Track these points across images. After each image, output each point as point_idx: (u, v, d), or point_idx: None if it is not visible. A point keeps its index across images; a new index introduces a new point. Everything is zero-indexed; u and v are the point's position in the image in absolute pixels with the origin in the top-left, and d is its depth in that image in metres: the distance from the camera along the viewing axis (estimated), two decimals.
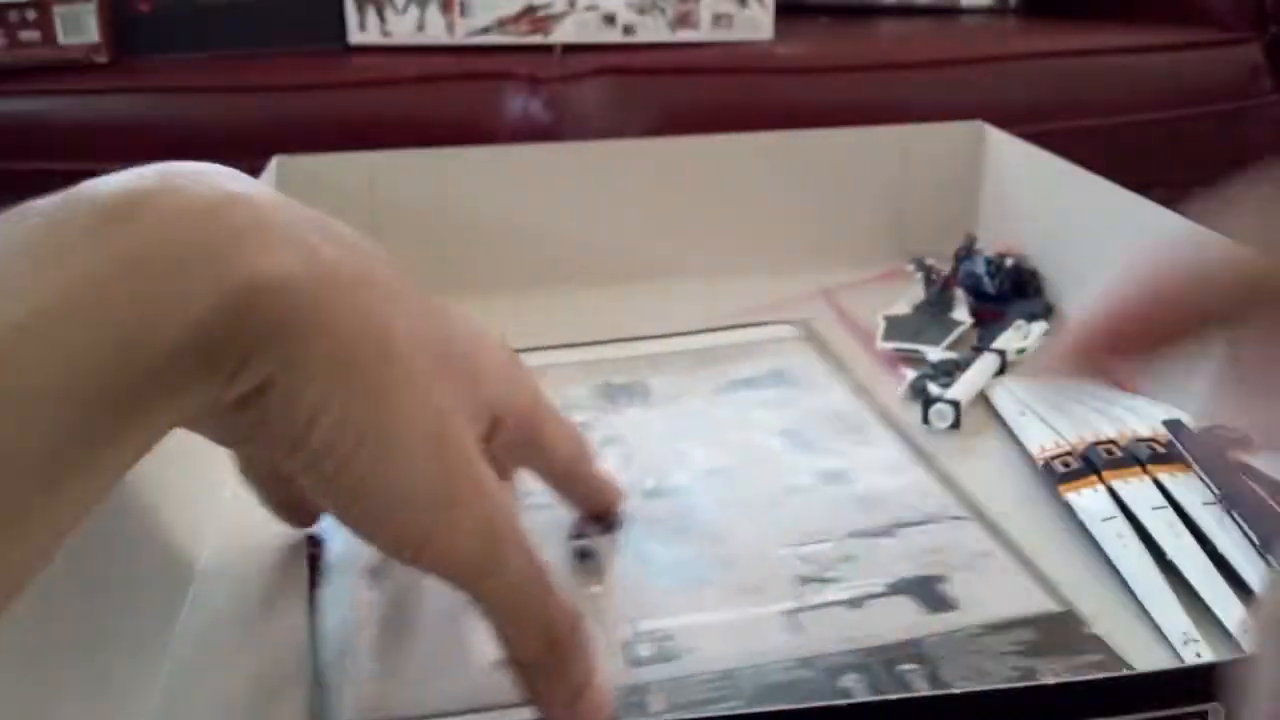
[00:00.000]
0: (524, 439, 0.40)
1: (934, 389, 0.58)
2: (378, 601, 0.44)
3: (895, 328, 0.67)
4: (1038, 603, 0.42)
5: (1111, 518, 0.44)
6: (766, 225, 0.77)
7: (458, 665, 0.40)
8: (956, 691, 0.24)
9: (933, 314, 0.68)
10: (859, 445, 0.55)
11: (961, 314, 0.68)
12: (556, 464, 0.43)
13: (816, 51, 1.34)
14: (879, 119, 0.80)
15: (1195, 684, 0.25)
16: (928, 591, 0.43)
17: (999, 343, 0.63)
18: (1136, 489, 0.45)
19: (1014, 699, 0.24)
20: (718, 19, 1.35)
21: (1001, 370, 0.61)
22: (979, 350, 0.62)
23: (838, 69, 1.27)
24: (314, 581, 0.44)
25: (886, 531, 0.47)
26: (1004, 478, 0.52)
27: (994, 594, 0.43)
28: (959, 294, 0.70)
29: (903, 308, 0.69)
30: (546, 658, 0.34)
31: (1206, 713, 0.25)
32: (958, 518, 0.48)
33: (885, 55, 1.31)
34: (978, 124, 0.79)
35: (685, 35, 1.36)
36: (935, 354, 0.63)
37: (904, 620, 0.41)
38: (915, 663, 0.39)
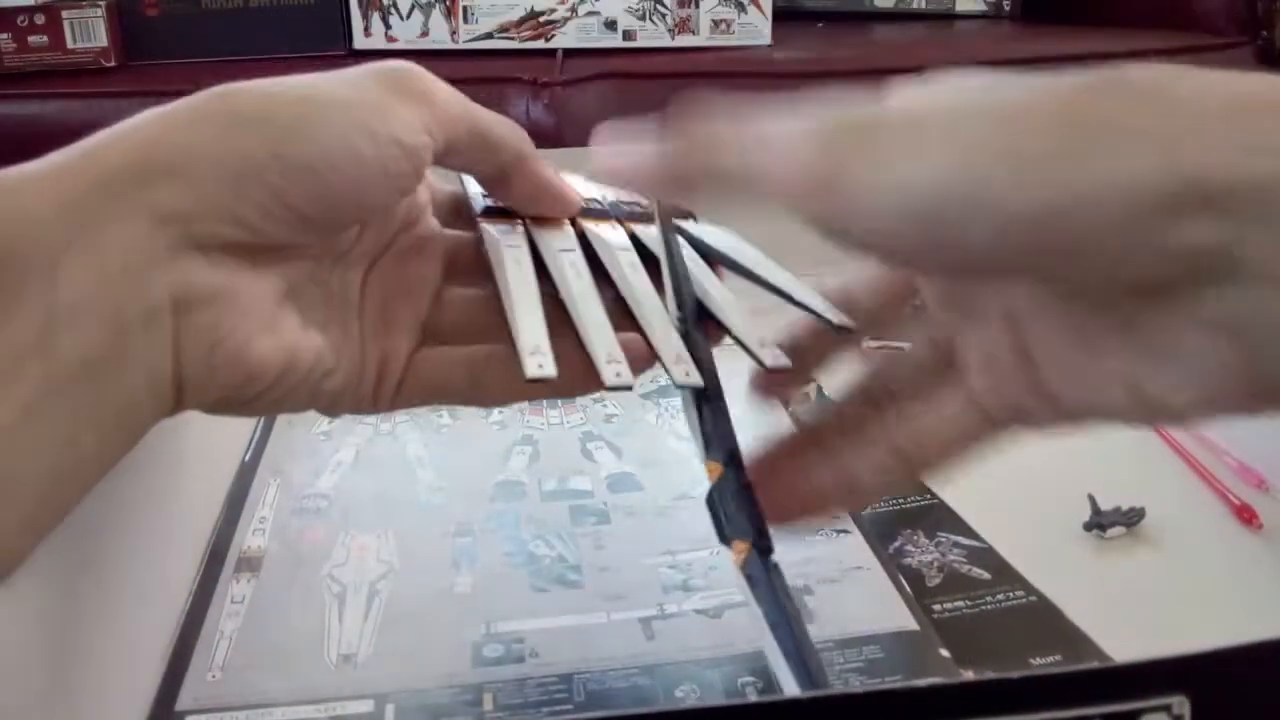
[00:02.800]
0: (476, 142, 0.36)
1: None
2: (248, 594, 0.45)
3: None
4: (895, 620, 0.43)
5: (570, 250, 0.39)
6: (766, 228, 0.78)
7: (309, 659, 0.42)
8: (922, 685, 0.25)
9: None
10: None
11: None
12: (504, 154, 0.37)
13: (814, 56, 1.35)
14: None
15: (1160, 676, 0.25)
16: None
17: None
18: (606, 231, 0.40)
19: (972, 693, 0.25)
20: (716, 24, 1.36)
21: None
22: None
23: (835, 74, 1.28)
24: None
25: None
26: (954, 474, 0.53)
27: (854, 609, 0.43)
28: None
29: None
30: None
31: (1170, 705, 0.25)
32: (842, 530, 0.49)
33: (881, 60, 1.32)
34: None
35: (685, 40, 1.37)
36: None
37: (758, 632, 0.42)
38: (757, 677, 0.40)
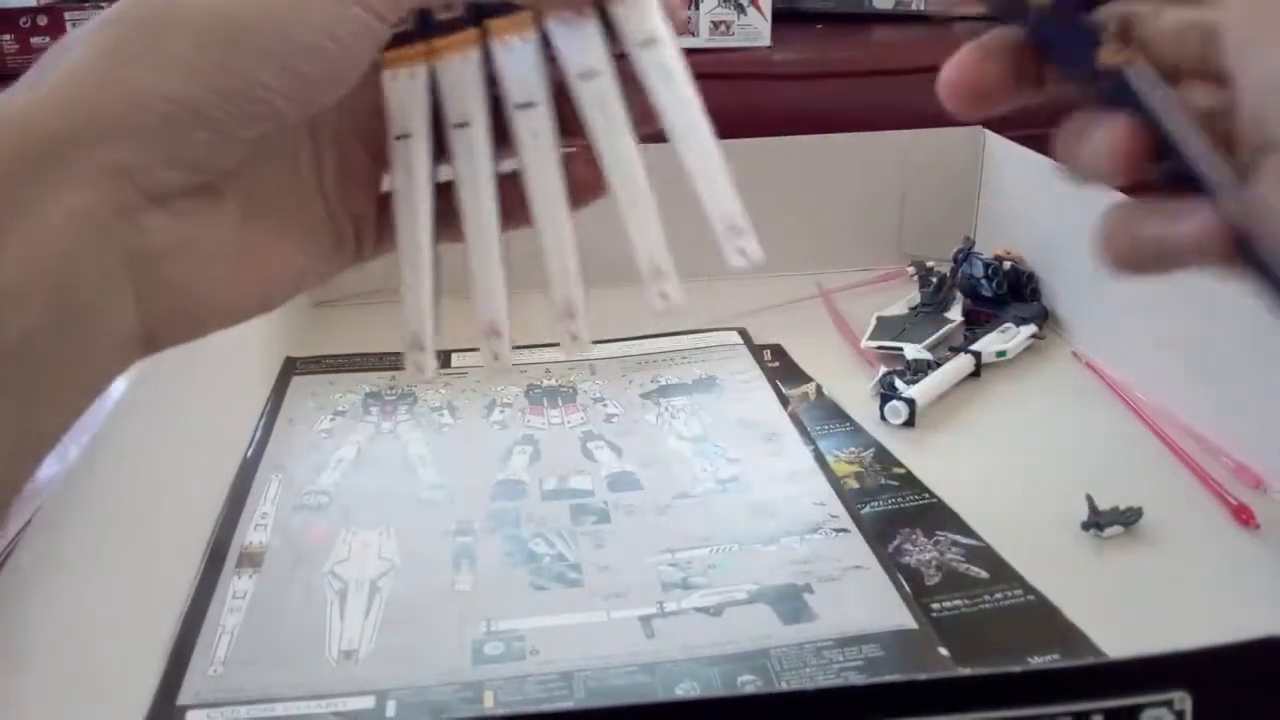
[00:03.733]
0: None
1: (900, 386, 0.59)
2: (250, 590, 0.46)
3: (884, 327, 0.68)
4: (894, 619, 0.43)
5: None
6: (766, 228, 0.78)
7: (310, 655, 0.42)
8: (923, 678, 0.25)
9: (927, 315, 0.69)
10: (767, 454, 0.55)
11: (955, 315, 0.69)
12: None
13: (813, 58, 1.35)
14: (874, 124, 0.81)
15: (1162, 672, 0.25)
16: (788, 602, 0.44)
17: (979, 345, 0.64)
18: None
19: (976, 686, 0.25)
20: (716, 26, 1.36)
21: (977, 372, 0.63)
22: (956, 351, 0.63)
23: (834, 75, 1.28)
24: None
25: (769, 539, 0.48)
26: (953, 474, 0.53)
27: (854, 607, 0.44)
28: (957, 296, 0.71)
29: (900, 308, 0.70)
30: None
31: (1172, 700, 0.25)
32: (841, 530, 0.49)
33: (880, 61, 1.32)
34: (977, 129, 0.80)
35: (684, 41, 1.37)
36: (913, 352, 0.64)
37: (758, 630, 0.42)
38: (756, 674, 0.40)
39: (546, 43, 0.31)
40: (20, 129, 0.26)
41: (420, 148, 0.32)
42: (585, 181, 0.32)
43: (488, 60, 0.31)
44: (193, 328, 0.30)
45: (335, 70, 0.29)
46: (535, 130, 0.31)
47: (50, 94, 0.26)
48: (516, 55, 0.31)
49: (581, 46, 0.30)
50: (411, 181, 0.32)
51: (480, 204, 0.32)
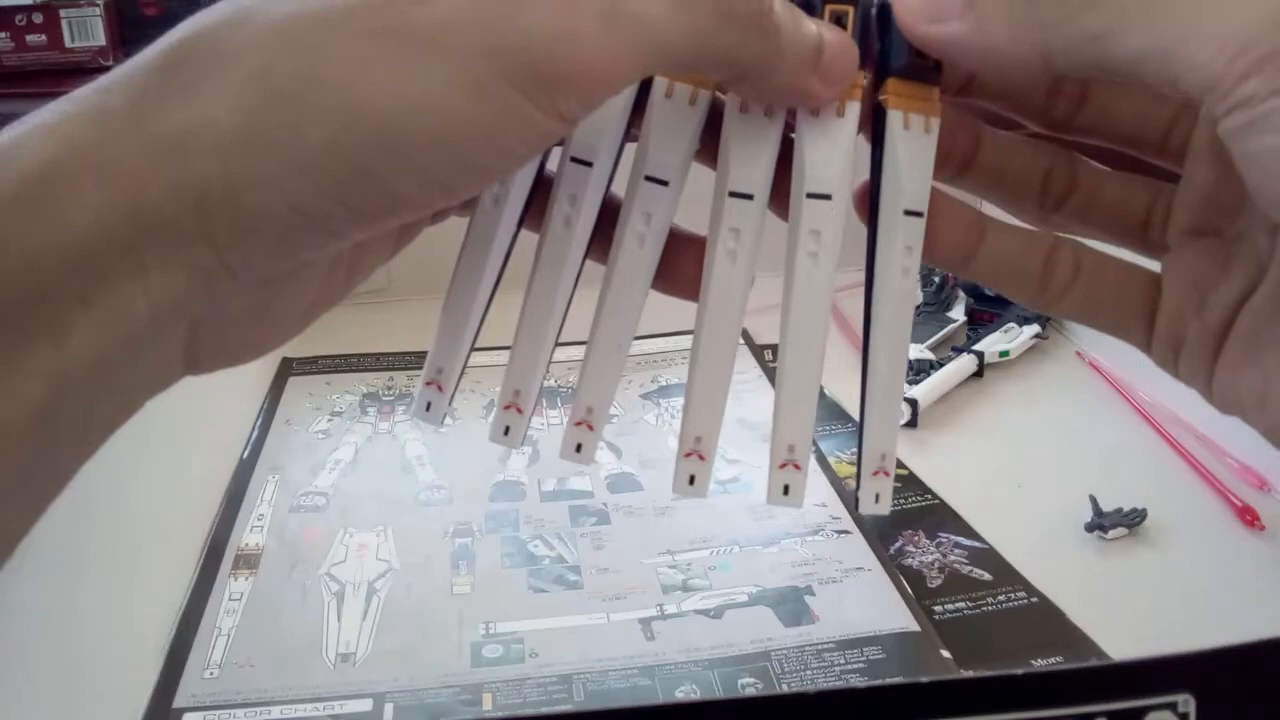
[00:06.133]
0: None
1: None
2: (246, 592, 0.45)
3: None
4: (896, 621, 0.43)
5: None
6: (767, 228, 0.78)
7: (307, 658, 0.42)
8: (925, 681, 0.24)
9: (929, 314, 0.69)
10: (768, 455, 0.55)
11: (957, 314, 0.69)
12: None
13: None
14: None
15: (1166, 674, 0.25)
16: (789, 604, 0.44)
17: (982, 344, 0.64)
18: None
19: (980, 689, 0.25)
20: None
21: (979, 372, 0.62)
22: (959, 351, 0.63)
23: None
24: None
25: (769, 541, 0.48)
26: (956, 475, 0.53)
27: (855, 609, 0.43)
28: (959, 295, 0.71)
29: None
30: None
31: (1176, 703, 0.25)
32: (843, 531, 0.49)
33: None
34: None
35: None
36: (915, 352, 0.64)
37: (759, 632, 0.42)
38: (757, 677, 0.40)
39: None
40: (132, 192, 0.22)
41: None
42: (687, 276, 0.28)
43: (638, 108, 0.26)
44: (239, 361, 0.27)
45: (491, 179, 0.25)
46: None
47: (169, 160, 0.23)
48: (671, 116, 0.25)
49: (746, 152, 0.26)
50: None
51: (569, 249, 0.27)
